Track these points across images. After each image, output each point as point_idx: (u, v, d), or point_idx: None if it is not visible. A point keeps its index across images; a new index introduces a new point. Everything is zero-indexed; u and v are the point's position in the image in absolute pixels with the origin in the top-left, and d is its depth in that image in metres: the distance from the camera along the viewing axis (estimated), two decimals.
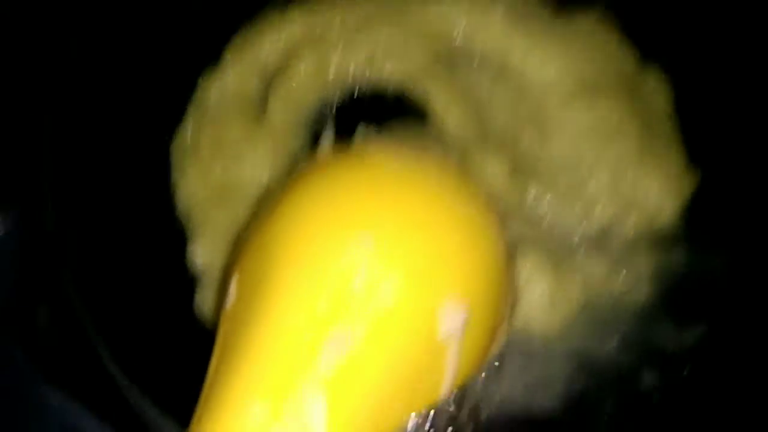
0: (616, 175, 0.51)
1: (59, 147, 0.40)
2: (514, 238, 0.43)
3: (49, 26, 0.44)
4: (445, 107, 0.52)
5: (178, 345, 0.44)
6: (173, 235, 0.49)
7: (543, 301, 0.48)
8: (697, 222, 0.51)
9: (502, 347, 0.46)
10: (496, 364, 0.46)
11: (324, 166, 0.39)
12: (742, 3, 0.53)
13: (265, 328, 0.32)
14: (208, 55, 0.53)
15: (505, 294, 0.39)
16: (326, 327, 0.31)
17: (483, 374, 0.46)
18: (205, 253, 0.47)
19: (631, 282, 0.49)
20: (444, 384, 0.36)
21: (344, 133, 0.42)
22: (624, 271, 0.49)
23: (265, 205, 0.38)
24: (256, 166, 0.49)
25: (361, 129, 0.43)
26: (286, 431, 0.30)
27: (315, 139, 0.51)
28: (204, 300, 0.47)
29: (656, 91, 0.55)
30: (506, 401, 0.46)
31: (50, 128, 0.40)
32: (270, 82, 0.52)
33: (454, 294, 0.34)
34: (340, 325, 0.31)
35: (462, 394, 0.44)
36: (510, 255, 0.40)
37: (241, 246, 0.38)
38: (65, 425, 0.44)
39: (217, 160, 0.50)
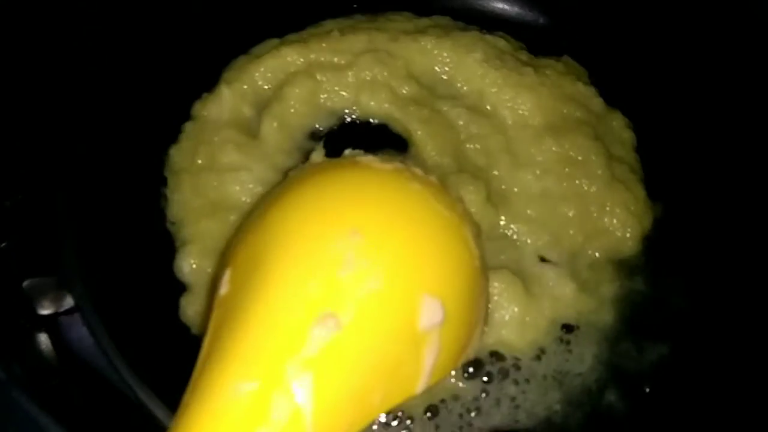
0: (582, 207, 0.54)
1: (69, 154, 0.43)
2: (487, 258, 0.45)
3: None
4: (424, 139, 0.56)
5: (164, 343, 0.46)
6: (163, 244, 0.51)
7: (514, 320, 0.50)
8: (657, 251, 0.55)
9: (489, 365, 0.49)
10: (484, 380, 0.48)
11: (317, 169, 0.42)
12: (698, 56, 0.59)
13: (256, 309, 0.33)
14: (206, 79, 0.56)
15: (480, 299, 0.42)
16: (315, 309, 0.33)
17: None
18: (193, 261, 0.49)
19: (596, 305, 0.52)
20: (421, 377, 0.37)
21: (332, 156, 0.45)
22: (589, 294, 0.52)
23: (260, 205, 0.40)
24: (248, 183, 0.52)
25: (348, 151, 0.46)
26: (273, 408, 0.31)
27: (306, 160, 0.54)
28: (189, 303, 0.48)
29: (619, 132, 0.60)
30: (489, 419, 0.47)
31: (64, 139, 0.43)
32: (264, 106, 0.55)
33: (433, 290, 0.37)
34: (328, 309, 0.33)
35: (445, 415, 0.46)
36: (484, 264, 0.43)
37: (235, 242, 0.39)
38: None
39: (211, 176, 0.52)
